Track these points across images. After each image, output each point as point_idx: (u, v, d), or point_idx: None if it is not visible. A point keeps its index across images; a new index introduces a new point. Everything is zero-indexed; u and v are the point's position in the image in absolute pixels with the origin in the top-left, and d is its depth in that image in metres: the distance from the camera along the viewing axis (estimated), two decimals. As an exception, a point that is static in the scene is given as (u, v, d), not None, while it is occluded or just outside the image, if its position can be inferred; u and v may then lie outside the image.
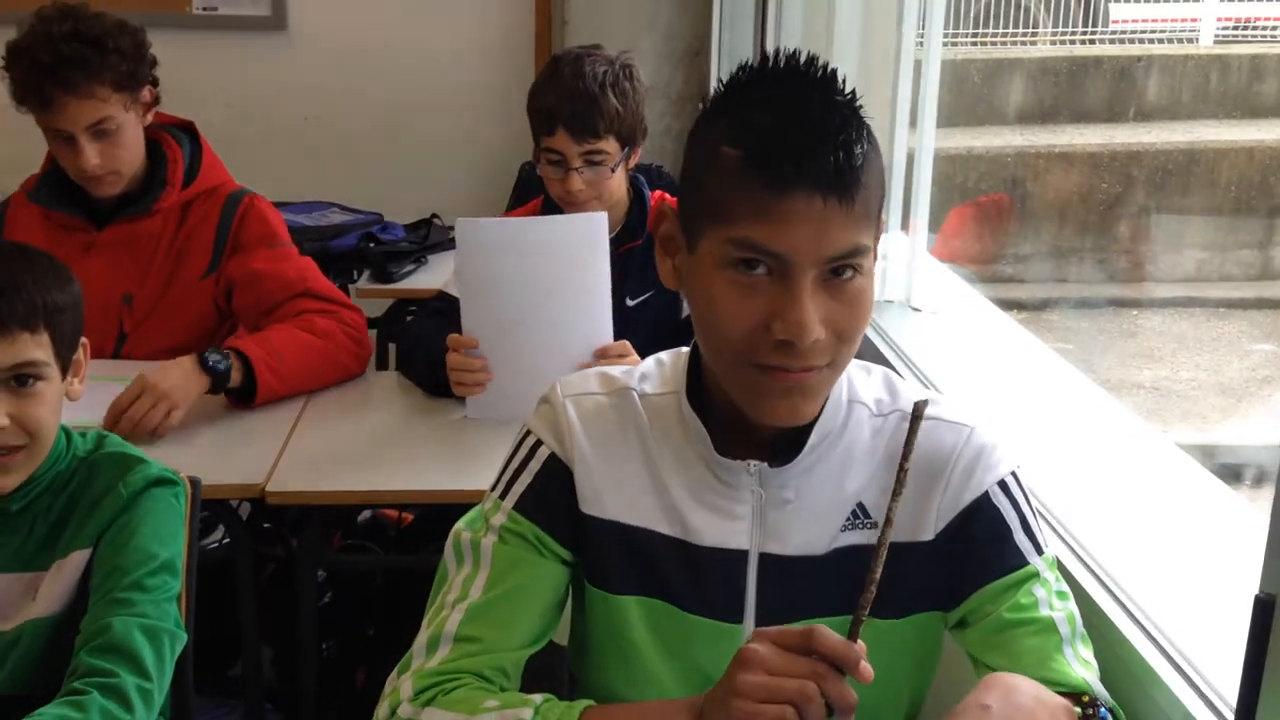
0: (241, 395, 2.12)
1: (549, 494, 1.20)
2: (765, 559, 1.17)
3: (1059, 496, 1.50)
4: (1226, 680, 1.09)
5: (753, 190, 1.02)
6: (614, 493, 1.19)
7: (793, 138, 1.02)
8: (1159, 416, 3.58)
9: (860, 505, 1.17)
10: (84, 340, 1.53)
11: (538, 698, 1.08)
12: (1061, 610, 1.12)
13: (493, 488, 1.23)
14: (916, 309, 2.38)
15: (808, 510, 1.16)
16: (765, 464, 1.15)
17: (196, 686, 1.68)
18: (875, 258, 1.11)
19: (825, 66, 1.07)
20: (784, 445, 1.15)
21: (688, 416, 1.17)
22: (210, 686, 2.24)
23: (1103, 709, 0.98)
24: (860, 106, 1.06)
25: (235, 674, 2.29)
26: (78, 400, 1.53)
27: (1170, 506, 1.53)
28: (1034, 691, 0.96)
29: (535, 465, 1.21)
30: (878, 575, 0.99)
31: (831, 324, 1.04)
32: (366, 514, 2.59)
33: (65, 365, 1.47)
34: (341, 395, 2.28)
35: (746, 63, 1.08)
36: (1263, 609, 0.96)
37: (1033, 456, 1.61)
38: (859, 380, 1.20)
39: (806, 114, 1.03)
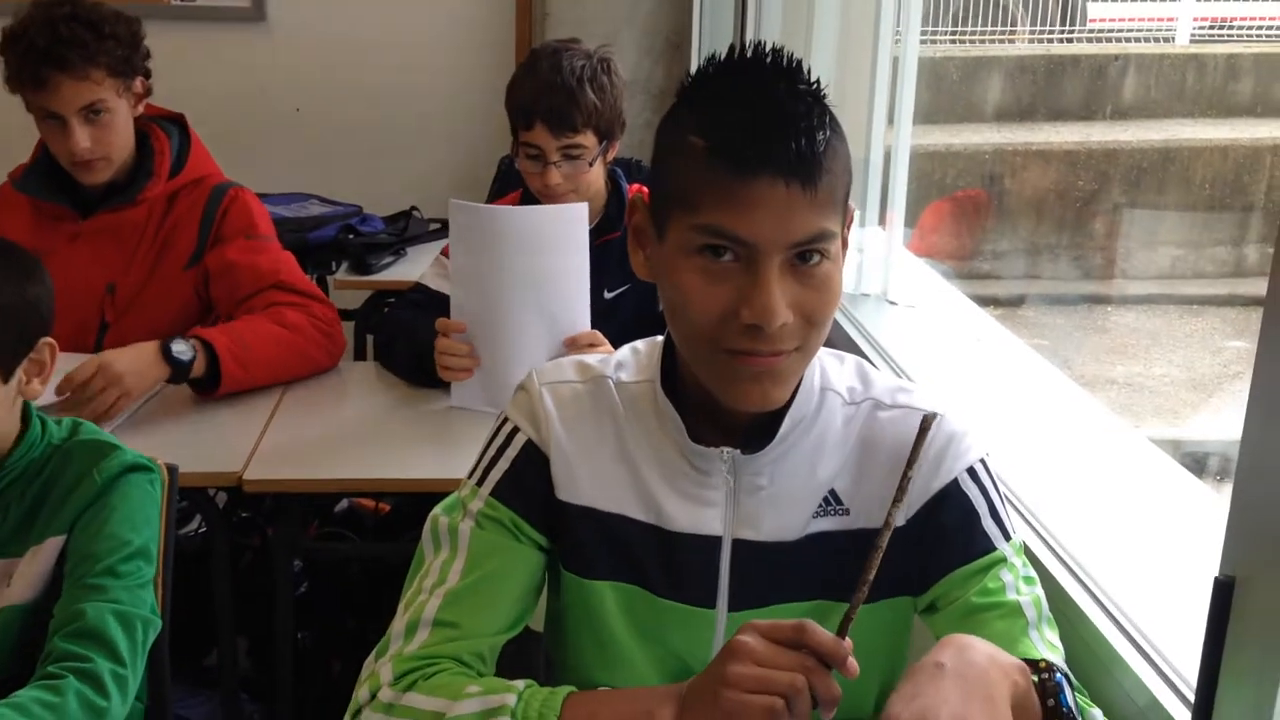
0: (205, 385, 2.12)
1: (526, 480, 1.21)
2: (738, 545, 1.19)
3: (1029, 487, 1.52)
4: (1188, 662, 1.11)
5: (718, 177, 1.03)
6: (589, 479, 1.21)
7: (756, 125, 1.03)
8: (1131, 412, 3.61)
9: (832, 492, 1.18)
10: (49, 340, 1.49)
11: (520, 683, 1.08)
12: (1028, 594, 1.14)
13: (470, 474, 1.24)
14: (893, 303, 2.40)
15: (781, 497, 1.18)
16: (738, 451, 1.16)
17: (173, 675, 1.69)
18: (845, 245, 1.12)
19: (790, 57, 1.08)
20: (757, 432, 1.16)
21: (662, 404, 1.19)
22: (186, 675, 2.24)
23: (1059, 674, 0.99)
24: (825, 95, 1.08)
25: (211, 663, 2.29)
26: (37, 399, 1.51)
27: (1138, 496, 1.55)
28: (988, 650, 0.98)
29: (512, 452, 1.22)
30: (870, 577, 1.00)
31: (799, 308, 1.06)
32: (344, 504, 2.60)
33: (8, 367, 1.44)
34: (319, 385, 2.29)
35: (714, 55, 1.10)
36: (1222, 590, 0.98)
37: (1005, 448, 1.63)
38: (832, 368, 1.22)
39: (769, 102, 1.05)
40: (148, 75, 2.26)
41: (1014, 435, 1.69)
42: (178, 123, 2.39)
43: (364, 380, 2.32)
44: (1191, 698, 1.05)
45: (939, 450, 1.16)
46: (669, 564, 1.20)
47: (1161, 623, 1.20)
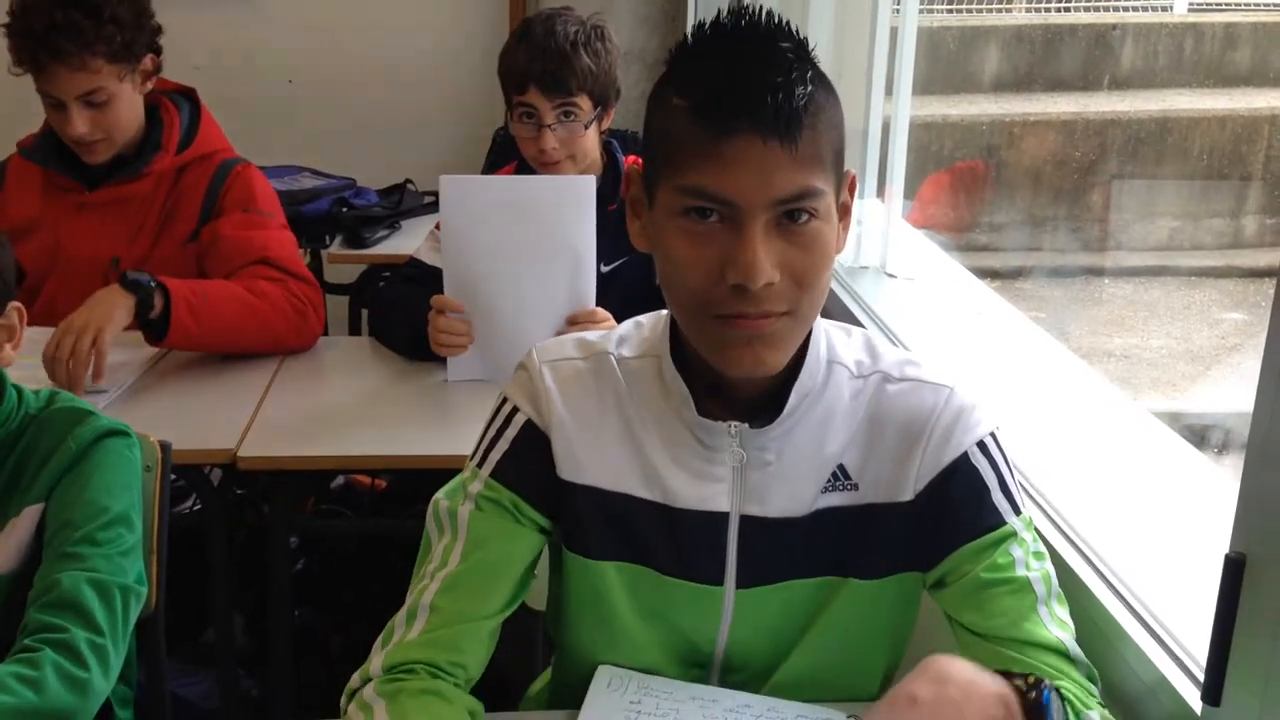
0: (158, 331, 2.08)
1: (526, 461, 1.20)
2: (746, 521, 1.18)
3: (1032, 461, 1.51)
4: (1196, 640, 1.10)
5: (698, 136, 1.03)
6: (592, 458, 1.19)
7: (734, 82, 1.03)
8: (1129, 384, 3.61)
9: (841, 467, 1.17)
10: (16, 305, 1.47)
11: None
12: (1038, 570, 1.13)
13: (472, 456, 1.23)
14: (891, 275, 2.39)
15: (788, 472, 1.16)
16: (746, 425, 1.15)
17: (170, 653, 1.68)
18: (847, 211, 1.11)
19: (776, 17, 1.07)
20: (764, 406, 1.15)
21: (669, 378, 1.17)
22: (184, 653, 2.24)
23: (1045, 691, 0.95)
24: (810, 53, 1.07)
25: (209, 640, 2.28)
26: (10, 365, 1.48)
27: (1140, 469, 1.54)
28: (965, 681, 0.95)
29: (512, 432, 1.21)
30: None
31: (788, 268, 1.04)
32: (340, 481, 2.58)
33: None
34: (313, 361, 2.27)
35: (701, 22, 1.09)
36: (1233, 568, 0.97)
37: (1005, 419, 1.62)
38: (839, 341, 1.20)
39: (749, 60, 1.04)
40: (158, 52, 2.22)
41: (1016, 408, 1.68)
42: (189, 97, 2.35)
43: (359, 355, 2.30)
44: (1200, 676, 1.04)
45: (948, 424, 1.15)
46: (675, 541, 1.19)
47: (1166, 598, 1.19)
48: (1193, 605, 1.12)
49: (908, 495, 1.16)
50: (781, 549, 1.18)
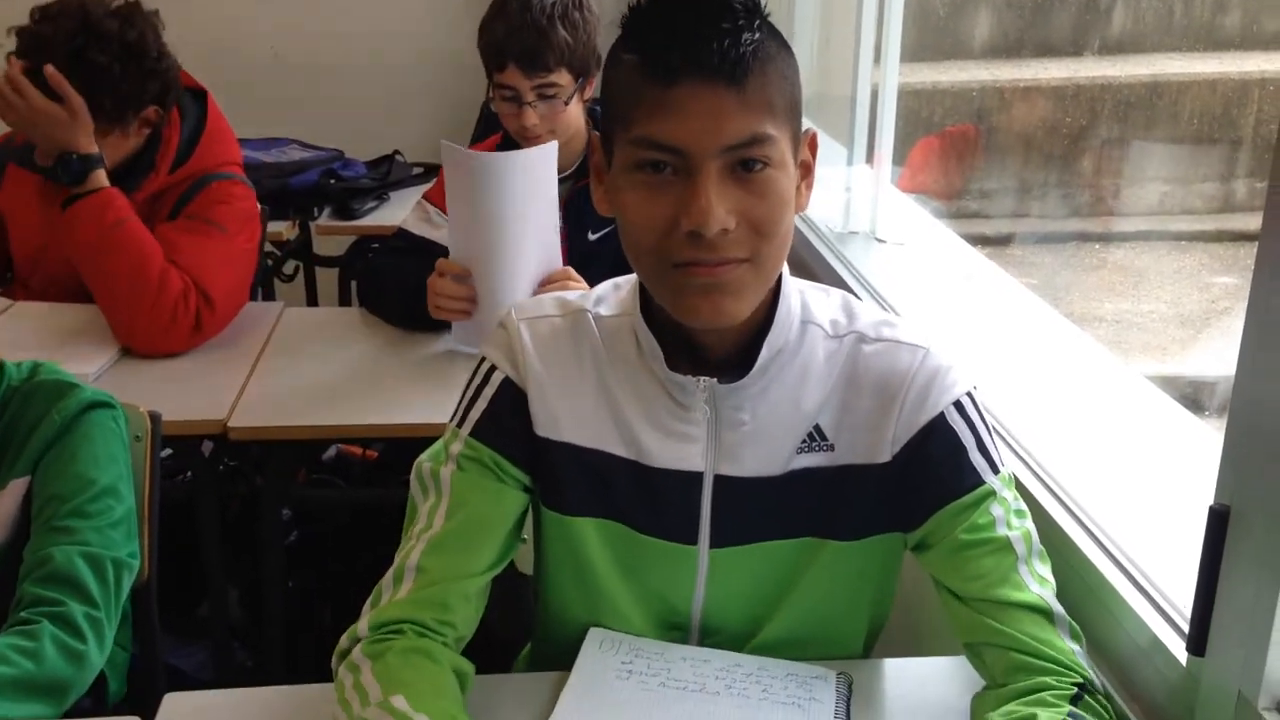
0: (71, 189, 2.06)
1: (504, 418, 1.20)
2: (720, 480, 1.18)
3: (1023, 421, 1.51)
4: (1182, 593, 1.10)
5: (647, 87, 1.03)
6: (568, 415, 1.19)
7: (679, 31, 1.03)
8: (1120, 348, 3.61)
9: (817, 428, 1.17)
10: None
11: None
12: (1018, 529, 1.13)
13: (452, 417, 1.23)
14: (881, 240, 2.39)
15: (762, 432, 1.17)
16: (715, 380, 1.15)
17: (165, 626, 1.68)
18: (804, 166, 1.12)
19: None
20: (736, 363, 1.15)
21: (641, 334, 1.17)
22: (179, 627, 2.24)
23: None
24: (763, 9, 1.07)
25: (204, 613, 2.28)
26: None
27: (1130, 430, 1.55)
28: None
29: (490, 390, 1.21)
30: None
31: (743, 215, 1.05)
32: (331, 452, 2.58)
33: None
34: (303, 332, 2.27)
35: None
36: (1217, 519, 0.98)
37: (996, 382, 1.62)
38: (815, 301, 1.20)
39: (695, 9, 1.04)
40: (161, 103, 2.18)
41: (1006, 371, 1.69)
42: (199, 99, 2.30)
43: (349, 326, 2.30)
44: (1185, 628, 1.04)
45: (923, 384, 1.15)
46: (650, 500, 1.19)
47: (1154, 553, 1.20)
48: (1179, 559, 1.12)
49: (885, 457, 1.16)
50: (756, 509, 1.18)
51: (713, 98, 1.02)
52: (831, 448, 1.17)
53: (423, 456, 1.23)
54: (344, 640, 1.14)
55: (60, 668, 1.27)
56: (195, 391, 1.99)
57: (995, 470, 1.15)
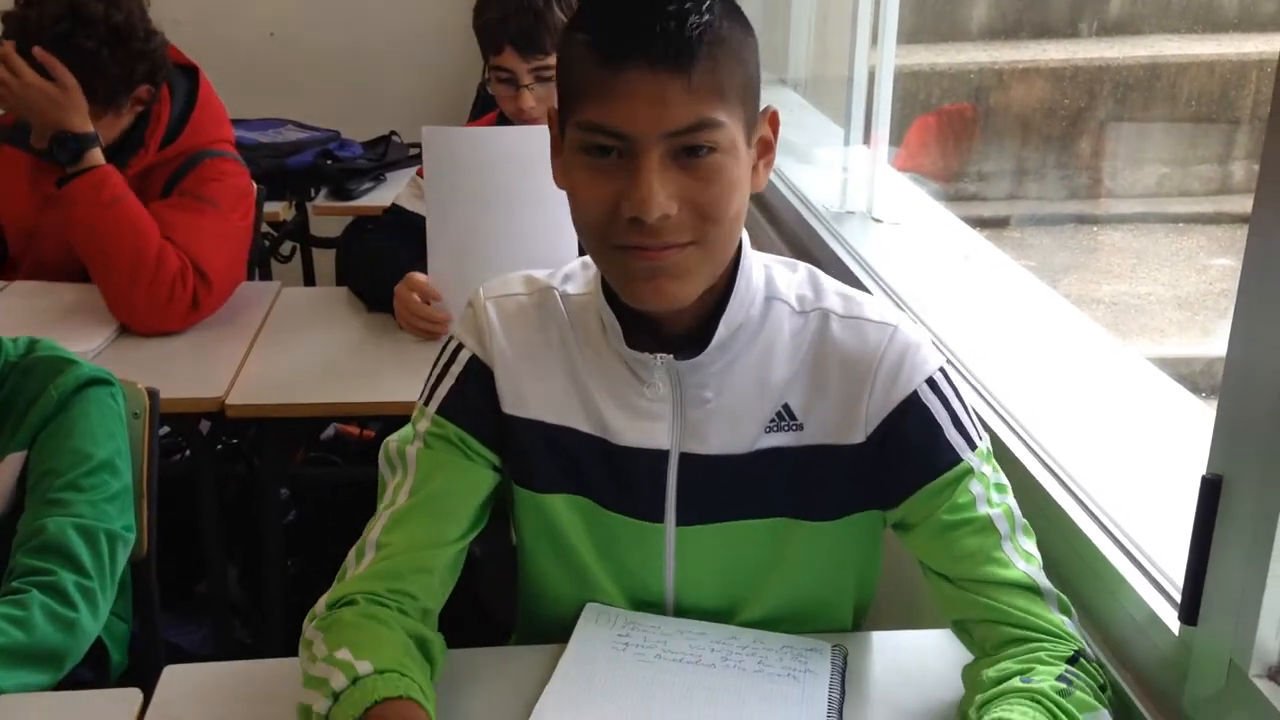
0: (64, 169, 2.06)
1: (471, 396, 1.20)
2: (686, 458, 1.17)
3: (1019, 397, 1.51)
4: (1174, 563, 1.11)
5: (594, 71, 1.03)
6: (535, 392, 1.19)
7: (626, 14, 1.03)
8: (1117, 330, 3.62)
9: (786, 407, 1.16)
10: None
11: (365, 666, 1.02)
12: (999, 506, 1.13)
13: (420, 396, 1.23)
14: (878, 220, 2.39)
15: (728, 409, 1.16)
16: (671, 356, 1.14)
17: (163, 604, 1.69)
18: (763, 144, 1.11)
19: None
20: (696, 340, 1.14)
21: (603, 312, 1.17)
22: (178, 607, 2.25)
23: None
24: None
25: (203, 591, 2.29)
26: None
27: (1133, 411, 1.55)
28: None
29: (457, 368, 1.21)
30: None
31: (688, 201, 1.04)
32: (329, 431, 2.59)
33: None
34: (301, 311, 2.28)
35: None
36: (1209, 489, 0.98)
37: (991, 359, 1.63)
38: (780, 277, 1.20)
39: None
40: (152, 80, 2.17)
41: (1004, 348, 1.69)
42: (191, 76, 2.29)
43: (347, 306, 2.30)
44: (1177, 597, 1.05)
45: (894, 363, 1.14)
46: (616, 478, 1.19)
47: (1147, 525, 1.20)
48: (1171, 532, 1.12)
49: (859, 437, 1.15)
50: (723, 487, 1.18)
51: (656, 84, 1.01)
52: (801, 427, 1.16)
53: (391, 436, 1.23)
54: (305, 621, 1.14)
55: (51, 636, 1.28)
56: (193, 370, 1.99)
57: (972, 446, 1.14)
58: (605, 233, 1.07)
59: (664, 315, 1.13)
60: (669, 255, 1.06)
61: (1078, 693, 1.00)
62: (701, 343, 1.14)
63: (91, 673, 1.47)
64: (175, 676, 1.19)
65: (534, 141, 2.01)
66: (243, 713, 1.13)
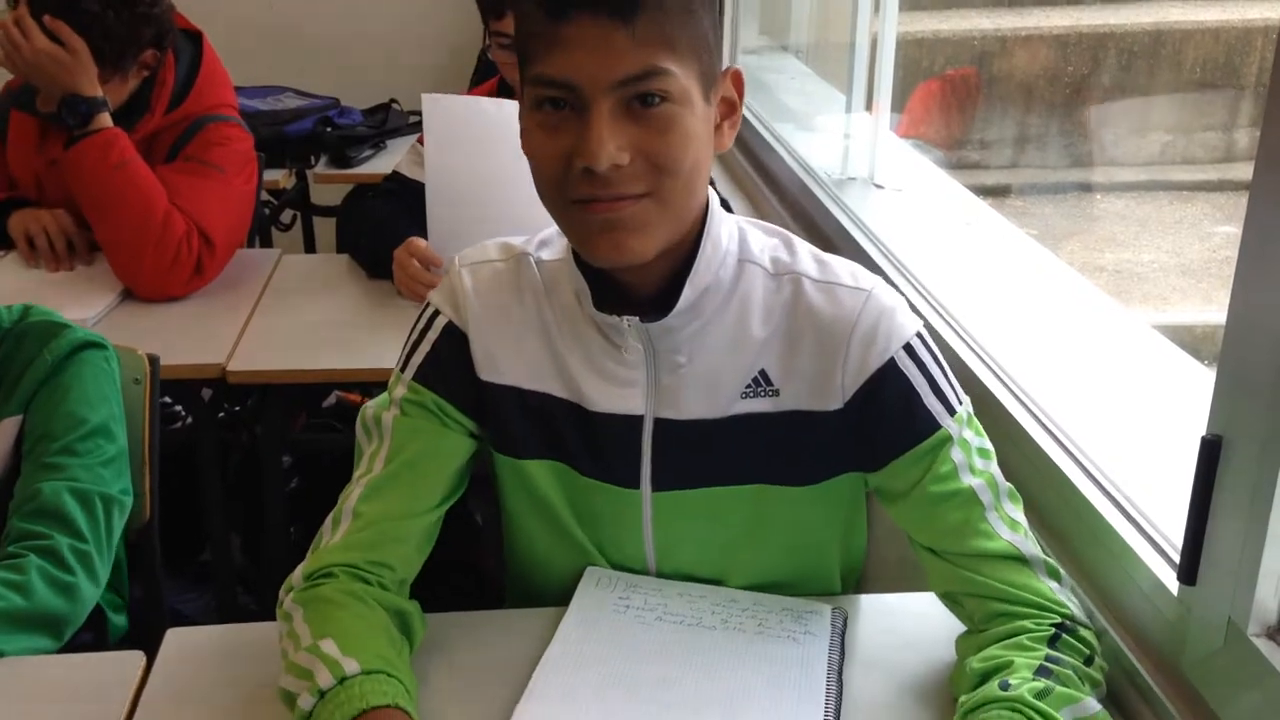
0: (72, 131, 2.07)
1: (446, 363, 1.20)
2: (660, 424, 1.17)
3: (1020, 359, 1.51)
4: (1173, 527, 1.11)
5: (541, 25, 1.03)
6: (510, 358, 1.19)
7: None
8: (1121, 298, 3.62)
9: (762, 372, 1.15)
10: None
11: (351, 666, 1.02)
12: (983, 473, 1.12)
13: (396, 363, 1.23)
14: (879, 186, 2.38)
15: (702, 375, 1.16)
16: (638, 318, 1.13)
17: (168, 573, 1.69)
18: (727, 104, 1.10)
19: None
20: (666, 303, 1.13)
21: (573, 274, 1.16)
22: (182, 575, 2.26)
23: None
24: None
25: (208, 559, 2.30)
26: None
27: (1128, 371, 1.55)
28: None
29: (433, 335, 1.21)
30: None
31: (641, 151, 1.03)
32: (331, 399, 2.59)
33: None
34: (302, 278, 2.27)
35: None
36: (1209, 449, 0.98)
37: (991, 323, 1.63)
38: (754, 239, 1.19)
39: None
40: (160, 44, 2.17)
41: (1004, 313, 1.69)
42: (195, 42, 2.29)
43: (347, 272, 2.30)
44: (1176, 558, 1.05)
45: (869, 329, 1.13)
46: (591, 443, 1.19)
47: (1155, 496, 1.20)
48: (1171, 495, 1.12)
49: (836, 404, 1.14)
50: (698, 453, 1.17)
51: (601, 33, 1.00)
52: (777, 393, 1.15)
53: (368, 403, 1.23)
54: (281, 590, 1.14)
55: (50, 600, 1.28)
56: (193, 336, 1.99)
57: (951, 411, 1.13)
58: (561, 188, 1.06)
59: (631, 276, 1.13)
60: (624, 207, 1.05)
61: (1058, 687, 0.99)
62: (672, 305, 1.13)
63: (92, 634, 1.48)
64: (178, 639, 1.20)
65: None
66: (246, 675, 1.14)
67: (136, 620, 1.63)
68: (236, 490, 2.31)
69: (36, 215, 2.20)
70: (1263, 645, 0.95)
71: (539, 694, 1.09)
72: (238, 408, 2.42)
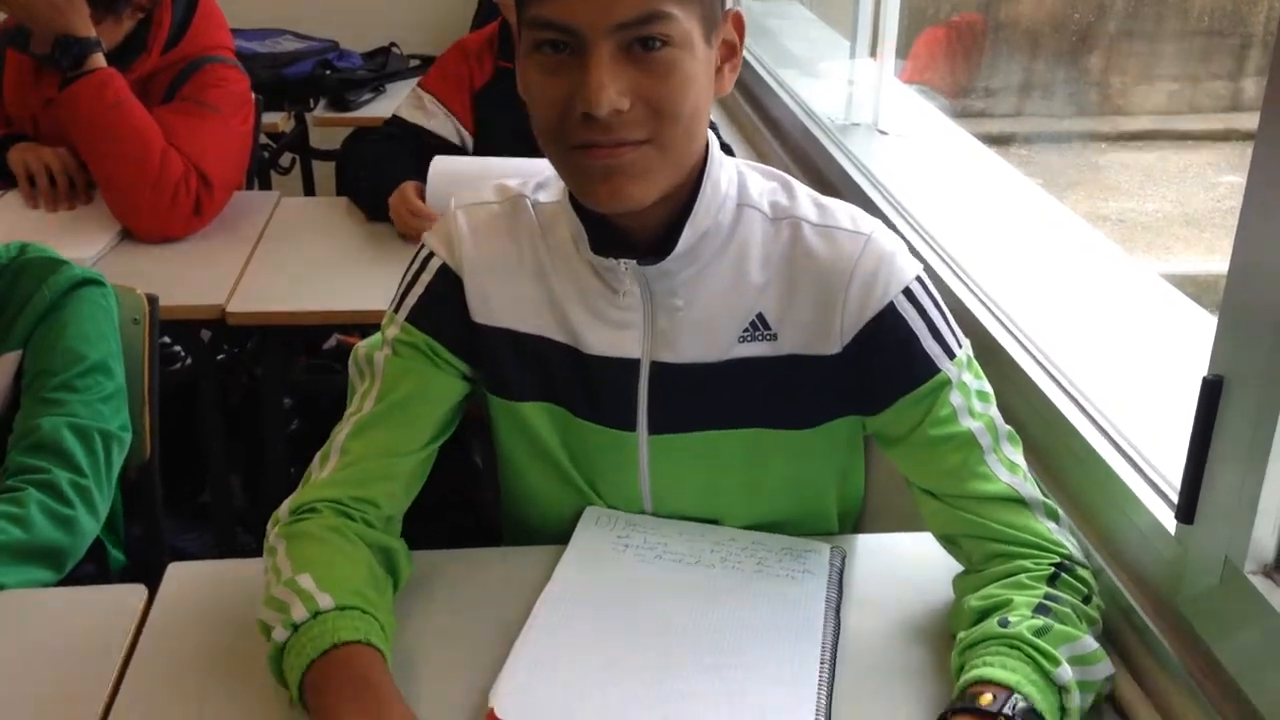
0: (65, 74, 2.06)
1: (440, 305, 1.19)
2: (657, 367, 1.17)
3: (1023, 304, 1.51)
4: (1171, 468, 1.11)
5: None
6: (505, 301, 1.19)
7: None
8: (1124, 246, 3.61)
9: (760, 316, 1.15)
10: None
11: (326, 601, 1.01)
12: (981, 417, 1.12)
13: (390, 304, 1.23)
14: (883, 132, 2.36)
15: (700, 318, 1.15)
16: (634, 262, 1.12)
17: (169, 512, 1.70)
18: (727, 47, 1.09)
19: None
20: (664, 247, 1.12)
21: (570, 217, 1.15)
22: (183, 509, 2.27)
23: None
24: None
25: (206, 499, 2.31)
26: None
27: (1131, 316, 1.55)
28: None
29: (427, 276, 1.20)
30: None
31: (641, 96, 1.02)
32: (331, 341, 2.59)
33: None
34: (301, 220, 2.26)
35: None
36: (1210, 389, 0.98)
37: (993, 268, 1.62)
38: (753, 184, 1.18)
39: None
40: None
41: (1006, 257, 1.68)
42: None
43: (348, 214, 2.29)
44: (1174, 498, 1.05)
45: (868, 273, 1.12)
46: (587, 386, 1.19)
47: (1154, 437, 1.20)
48: (1170, 437, 1.12)
49: (834, 348, 1.14)
50: (695, 395, 1.17)
51: None
52: (775, 337, 1.15)
53: (360, 343, 1.23)
54: (269, 524, 1.14)
55: (49, 533, 1.29)
56: (193, 278, 1.99)
57: (950, 355, 1.13)
58: (560, 133, 1.04)
59: (629, 220, 1.12)
60: (624, 153, 1.03)
61: (1056, 625, 0.99)
62: (669, 249, 1.12)
63: (94, 566, 1.49)
64: (179, 573, 1.21)
65: (538, 171, 1.99)
66: (246, 609, 1.14)
67: (137, 557, 1.64)
68: (236, 431, 2.31)
69: (38, 151, 2.19)
70: (1259, 583, 0.95)
71: (539, 630, 1.09)
72: (237, 350, 2.42)
